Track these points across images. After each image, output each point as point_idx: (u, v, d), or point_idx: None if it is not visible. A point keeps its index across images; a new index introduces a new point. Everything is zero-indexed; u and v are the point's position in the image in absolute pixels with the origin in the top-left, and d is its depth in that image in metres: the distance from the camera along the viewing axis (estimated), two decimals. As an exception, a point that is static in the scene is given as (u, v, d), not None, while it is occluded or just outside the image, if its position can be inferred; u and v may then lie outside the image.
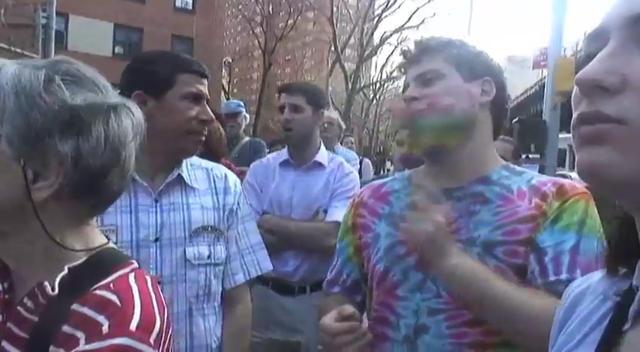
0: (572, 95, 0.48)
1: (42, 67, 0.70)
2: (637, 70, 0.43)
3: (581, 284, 0.62)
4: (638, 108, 0.42)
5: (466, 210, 1.11)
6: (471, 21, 54.49)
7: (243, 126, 4.13)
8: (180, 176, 1.39)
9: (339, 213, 1.94)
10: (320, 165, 2.27)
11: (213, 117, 1.41)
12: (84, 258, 0.73)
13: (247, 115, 4.33)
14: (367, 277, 1.24)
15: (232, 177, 1.51)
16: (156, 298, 0.72)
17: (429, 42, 1.18)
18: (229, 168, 1.79)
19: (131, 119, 0.75)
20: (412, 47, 1.19)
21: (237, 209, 1.47)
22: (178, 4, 23.63)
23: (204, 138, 1.40)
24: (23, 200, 0.67)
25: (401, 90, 1.24)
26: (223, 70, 26.68)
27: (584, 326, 0.56)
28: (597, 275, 0.60)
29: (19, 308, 0.70)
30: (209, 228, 1.39)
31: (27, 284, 0.71)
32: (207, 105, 1.39)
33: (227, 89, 28.05)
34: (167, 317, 0.73)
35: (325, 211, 2.21)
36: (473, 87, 1.14)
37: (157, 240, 1.33)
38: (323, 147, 2.34)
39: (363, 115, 27.37)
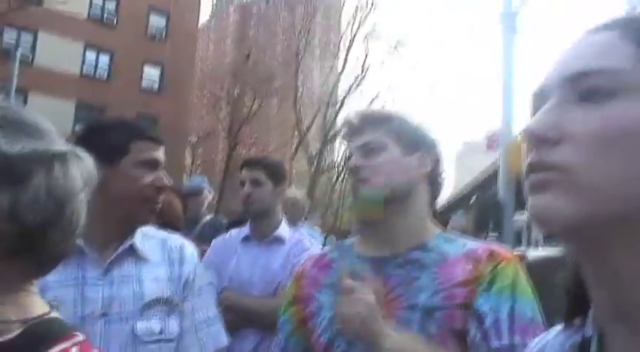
0: (524, 147, 0.52)
1: None
2: (572, 124, 0.48)
3: (538, 343, 0.62)
4: (574, 156, 0.47)
5: (406, 277, 1.12)
6: (429, 109, 57.35)
7: (205, 205, 4.08)
8: (132, 246, 1.33)
9: None
10: (280, 240, 2.26)
11: (168, 183, 1.38)
12: (19, 330, 0.64)
13: (211, 191, 4.30)
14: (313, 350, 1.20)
15: (189, 248, 1.46)
16: None
17: (372, 114, 1.25)
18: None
19: (80, 169, 0.68)
20: (355, 118, 1.23)
21: (192, 280, 1.40)
22: (144, 84, 23.98)
23: (159, 207, 1.36)
24: None
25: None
26: (187, 150, 26.76)
27: (546, 386, 0.55)
28: (552, 332, 0.61)
29: None
30: (162, 301, 1.32)
31: None
32: (162, 172, 1.36)
33: (190, 170, 27.96)
34: None
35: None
36: (412, 160, 1.19)
37: (104, 314, 1.25)
38: (284, 223, 2.34)
39: (327, 195, 27.66)
